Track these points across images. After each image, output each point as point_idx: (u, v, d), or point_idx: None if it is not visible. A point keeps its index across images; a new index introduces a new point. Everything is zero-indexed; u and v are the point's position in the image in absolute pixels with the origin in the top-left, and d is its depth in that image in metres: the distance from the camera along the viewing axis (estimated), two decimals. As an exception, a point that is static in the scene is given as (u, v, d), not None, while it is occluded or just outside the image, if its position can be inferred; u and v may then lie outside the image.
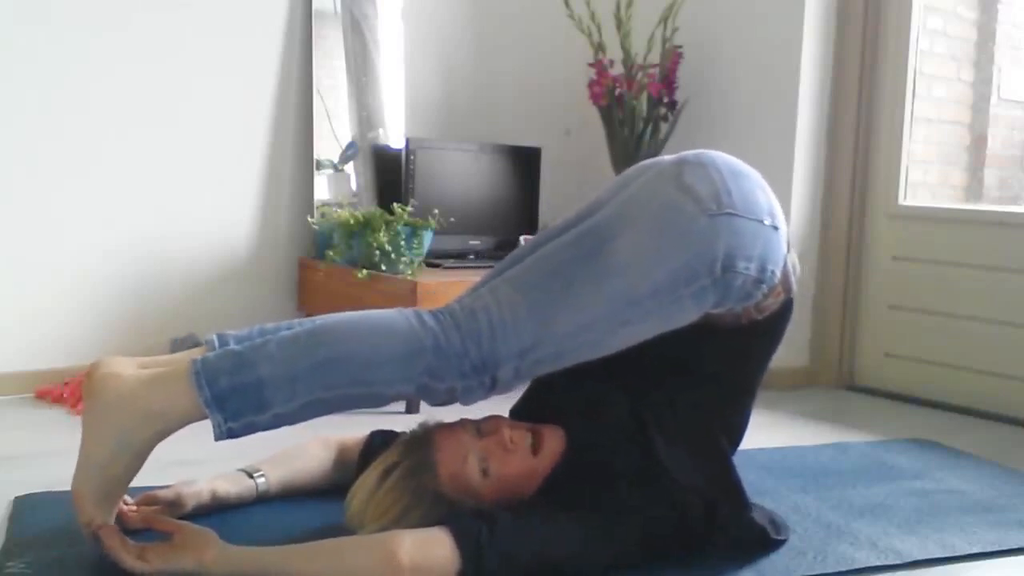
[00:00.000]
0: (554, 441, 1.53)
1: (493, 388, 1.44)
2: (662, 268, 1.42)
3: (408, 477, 1.46)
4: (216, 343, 1.53)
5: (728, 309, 1.49)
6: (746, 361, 1.62)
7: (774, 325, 1.59)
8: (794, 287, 1.58)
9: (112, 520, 1.44)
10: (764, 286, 1.47)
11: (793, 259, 1.58)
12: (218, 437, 1.38)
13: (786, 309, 1.59)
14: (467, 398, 1.45)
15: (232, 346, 1.45)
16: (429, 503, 1.44)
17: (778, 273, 1.49)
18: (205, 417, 1.37)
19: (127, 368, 1.46)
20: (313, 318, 1.51)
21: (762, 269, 1.46)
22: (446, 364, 1.40)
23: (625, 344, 1.48)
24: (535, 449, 1.51)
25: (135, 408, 1.39)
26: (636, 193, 1.53)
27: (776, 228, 1.49)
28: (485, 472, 1.47)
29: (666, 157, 1.59)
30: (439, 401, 1.46)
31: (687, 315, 1.46)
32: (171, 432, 1.42)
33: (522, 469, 1.50)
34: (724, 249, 1.42)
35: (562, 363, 1.47)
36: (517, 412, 1.70)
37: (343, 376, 1.38)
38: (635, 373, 1.58)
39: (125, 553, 1.36)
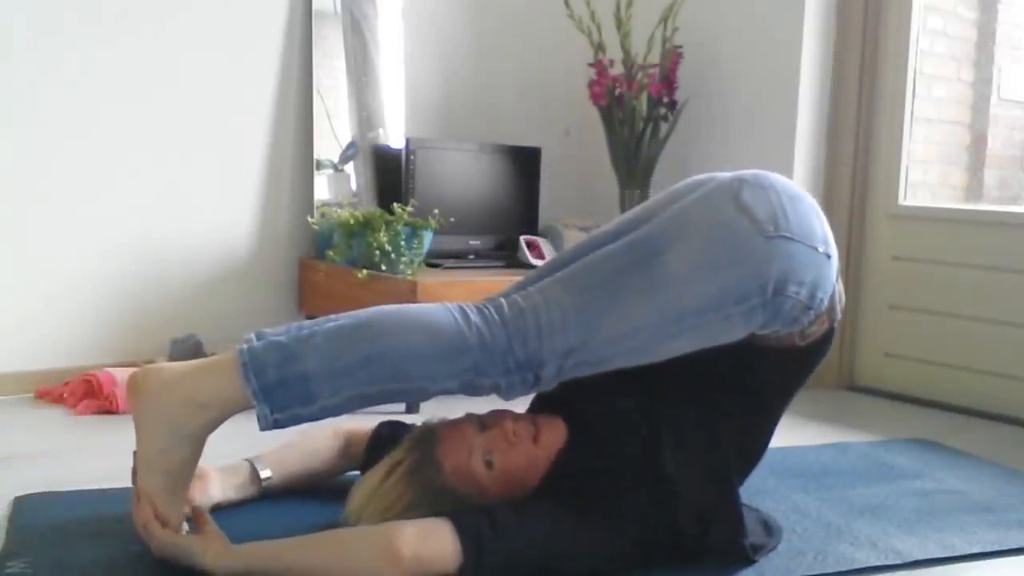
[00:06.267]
0: (553, 433, 1.54)
1: (536, 385, 1.45)
2: (714, 285, 1.43)
3: (412, 472, 1.47)
4: (255, 340, 1.52)
5: (774, 332, 1.49)
6: (778, 387, 1.62)
7: (813, 352, 1.59)
8: (838, 317, 1.59)
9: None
10: (812, 312, 1.48)
11: (840, 289, 1.58)
12: (264, 428, 1.37)
13: (827, 339, 1.59)
14: (510, 394, 1.45)
15: (278, 337, 1.44)
16: (433, 498, 1.45)
17: (826, 301, 1.50)
18: (250, 407, 1.37)
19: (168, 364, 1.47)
20: (359, 312, 1.51)
21: (812, 296, 1.46)
22: (491, 361, 1.40)
23: (668, 355, 1.47)
24: (535, 440, 1.52)
25: (181, 397, 1.39)
26: (691, 207, 1.52)
27: (829, 256, 1.50)
28: (489, 464, 1.48)
29: (722, 174, 1.59)
30: (482, 395, 1.47)
31: (734, 333, 1.46)
32: (220, 422, 1.42)
33: (525, 460, 1.50)
34: (777, 272, 1.43)
35: (604, 367, 1.47)
36: (533, 406, 1.71)
37: (387, 372, 1.38)
38: (662, 381, 1.58)
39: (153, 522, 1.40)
